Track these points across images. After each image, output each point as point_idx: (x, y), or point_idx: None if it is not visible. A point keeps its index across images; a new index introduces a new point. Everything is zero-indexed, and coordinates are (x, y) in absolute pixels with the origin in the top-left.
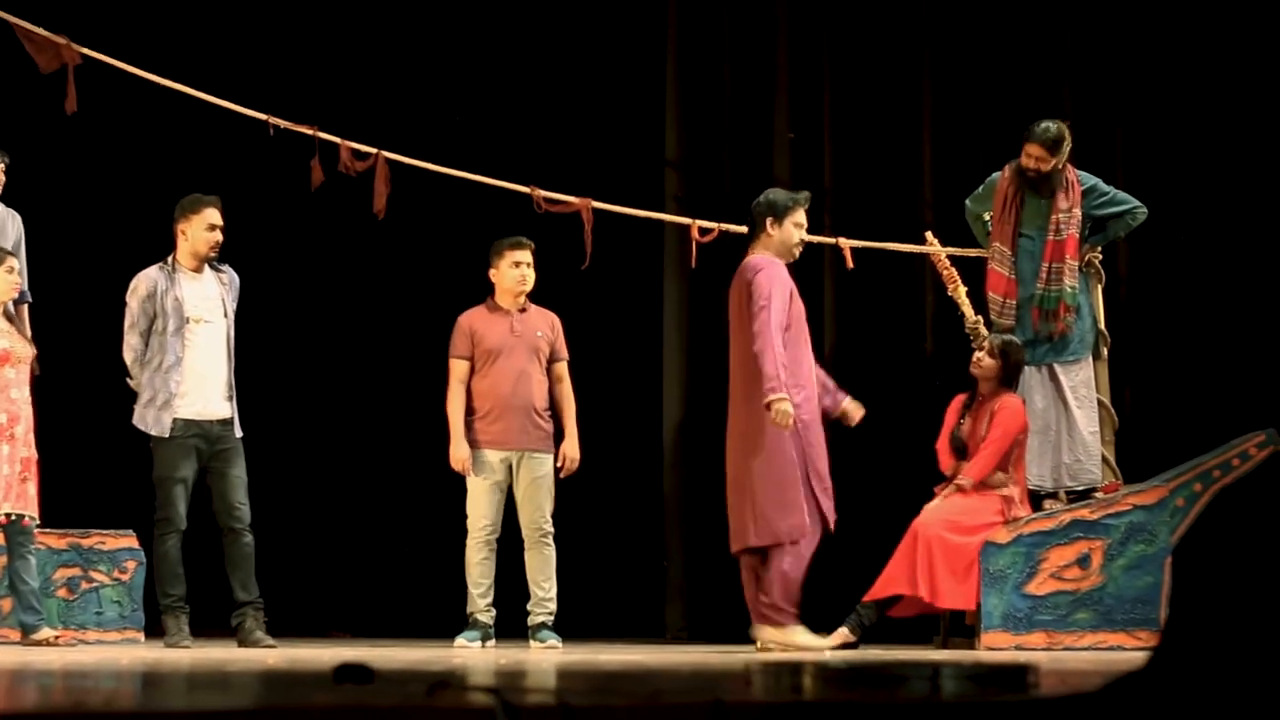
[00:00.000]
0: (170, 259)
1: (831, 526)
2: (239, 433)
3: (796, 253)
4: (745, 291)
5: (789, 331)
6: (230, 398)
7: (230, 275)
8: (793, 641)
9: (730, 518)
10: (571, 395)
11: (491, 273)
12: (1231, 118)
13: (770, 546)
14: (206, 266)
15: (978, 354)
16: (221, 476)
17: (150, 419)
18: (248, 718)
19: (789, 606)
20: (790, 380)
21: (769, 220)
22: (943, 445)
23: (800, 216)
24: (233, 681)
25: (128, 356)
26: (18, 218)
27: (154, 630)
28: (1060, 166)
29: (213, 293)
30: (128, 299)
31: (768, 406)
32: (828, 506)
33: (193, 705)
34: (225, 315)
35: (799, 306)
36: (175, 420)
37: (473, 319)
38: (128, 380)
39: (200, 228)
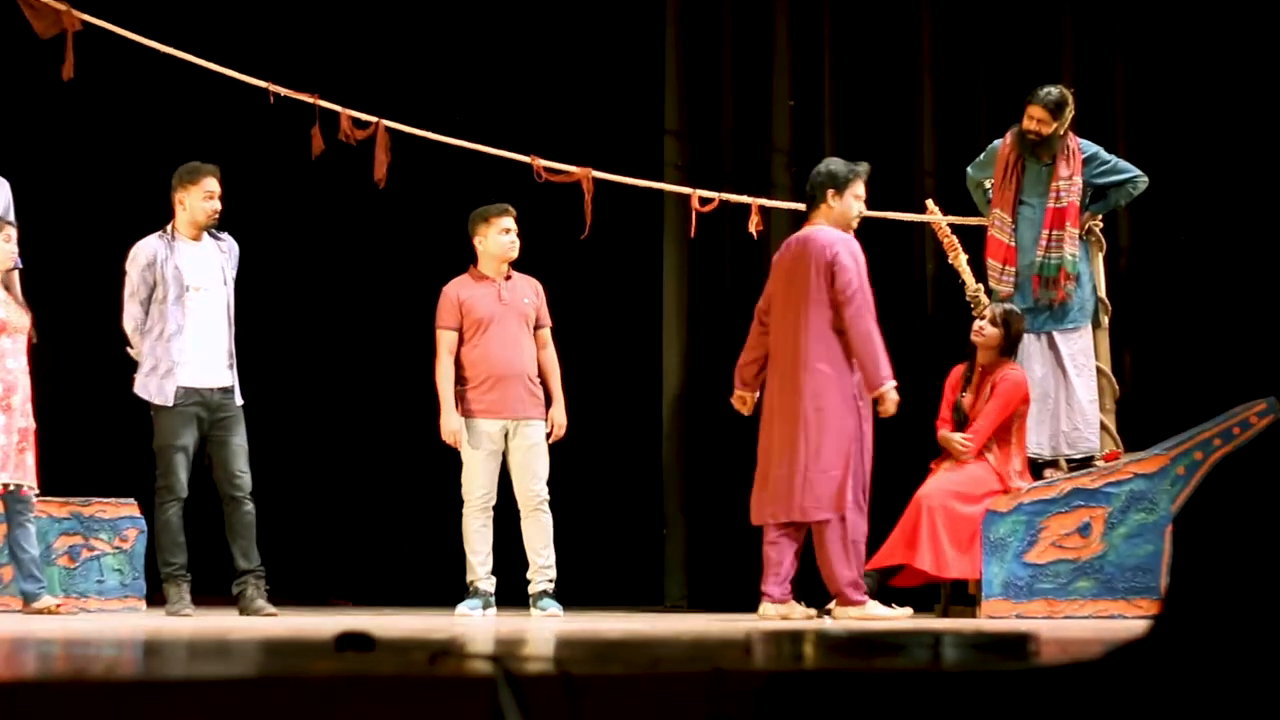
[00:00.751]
0: (169, 227)
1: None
2: (240, 401)
3: (855, 225)
4: (823, 269)
5: None
6: (231, 366)
7: (230, 243)
8: (866, 615)
9: (774, 488)
10: (556, 361)
11: (476, 241)
12: (1234, 86)
13: (822, 522)
14: (206, 234)
15: (979, 323)
16: (222, 445)
17: (153, 388)
18: (249, 686)
19: (859, 579)
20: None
21: (830, 191)
22: (943, 420)
23: (860, 188)
24: (233, 650)
25: (128, 325)
26: (5, 184)
27: (155, 598)
28: (1061, 132)
29: (212, 261)
30: (127, 267)
31: (878, 396)
32: (869, 488)
33: (193, 674)
34: (225, 283)
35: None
36: (177, 388)
37: (459, 289)
38: (128, 349)
39: (198, 197)
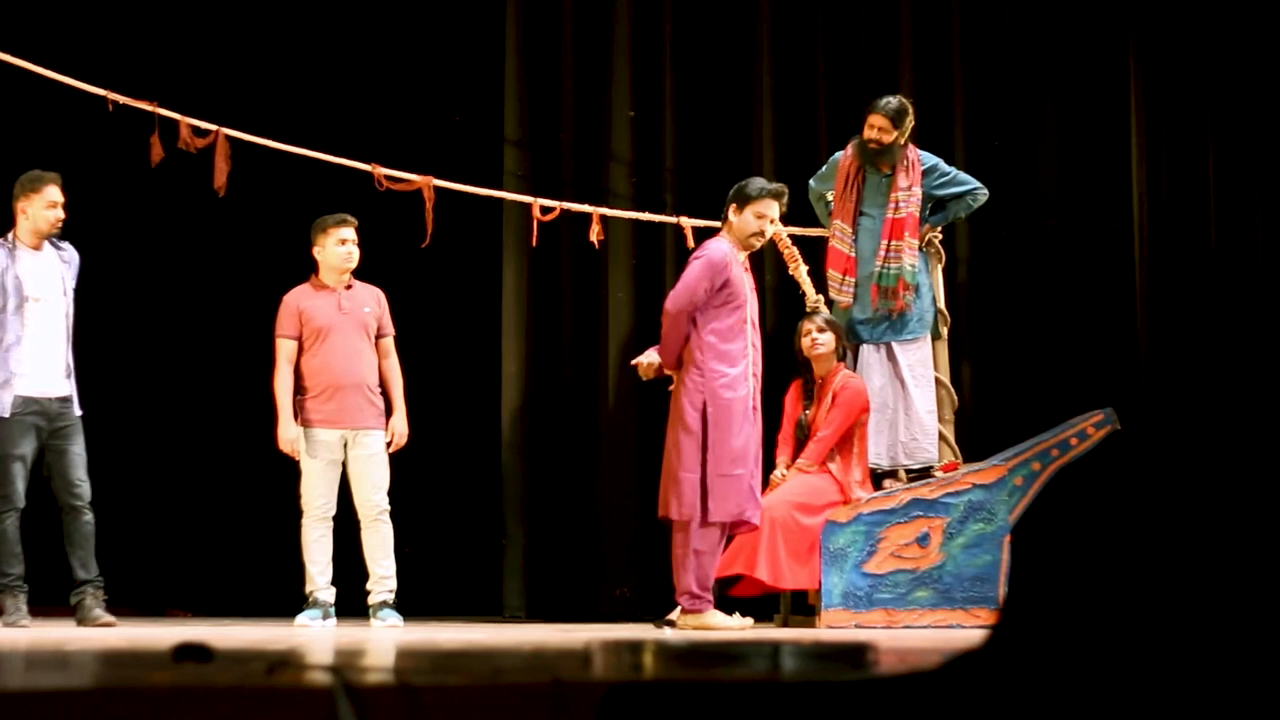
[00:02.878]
0: (10, 236)
1: (729, 517)
2: (78, 411)
3: (755, 242)
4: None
5: (721, 317)
6: (69, 375)
7: (70, 253)
8: (705, 624)
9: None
10: (399, 370)
11: (315, 250)
12: (1073, 97)
13: (673, 523)
14: (47, 244)
15: (813, 336)
16: (61, 454)
17: None
18: (86, 697)
19: (698, 589)
20: (714, 363)
21: (733, 206)
22: (785, 436)
23: (765, 208)
24: (71, 660)
25: None
26: None
27: None
28: (902, 142)
29: (53, 271)
30: None
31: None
32: (730, 498)
33: (30, 685)
34: (65, 294)
35: (743, 292)
36: (15, 398)
37: (299, 298)
38: None
39: (41, 206)
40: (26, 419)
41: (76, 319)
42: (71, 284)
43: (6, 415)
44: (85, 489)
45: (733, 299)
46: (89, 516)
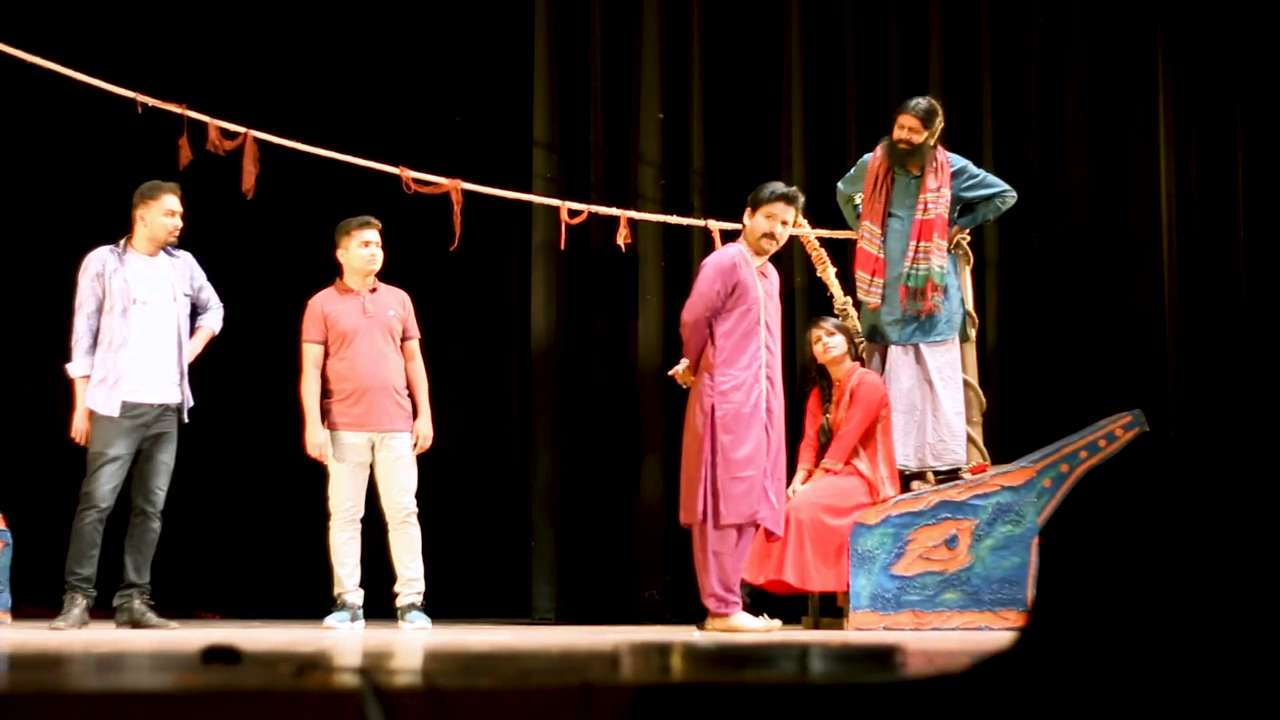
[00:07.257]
0: (123, 242)
1: (741, 519)
2: (185, 419)
3: (766, 245)
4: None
5: (730, 320)
6: (179, 382)
7: (183, 259)
8: (733, 627)
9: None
10: (423, 372)
11: (339, 253)
12: (1102, 98)
13: (693, 527)
14: (161, 251)
15: (823, 341)
16: (148, 459)
17: (100, 398)
18: (115, 700)
19: (722, 591)
20: (723, 367)
21: (748, 209)
22: (808, 443)
23: (775, 210)
24: (100, 663)
25: (71, 338)
26: None
27: (22, 613)
28: (931, 143)
29: (163, 277)
30: (78, 277)
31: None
32: (741, 500)
33: (57, 687)
34: (175, 299)
35: (753, 295)
36: (122, 402)
37: (324, 301)
38: (66, 366)
39: (159, 214)
40: (124, 422)
41: None
42: (183, 289)
43: (116, 415)
44: (160, 498)
45: (741, 302)
46: (157, 525)
